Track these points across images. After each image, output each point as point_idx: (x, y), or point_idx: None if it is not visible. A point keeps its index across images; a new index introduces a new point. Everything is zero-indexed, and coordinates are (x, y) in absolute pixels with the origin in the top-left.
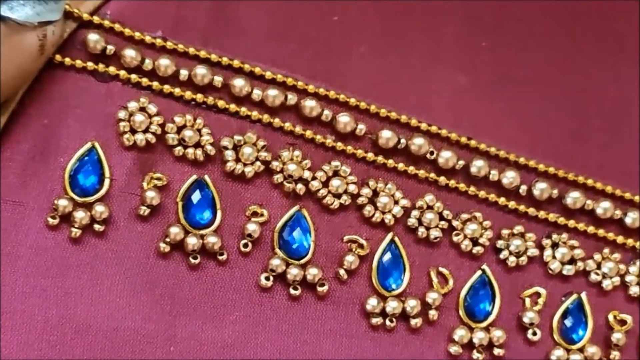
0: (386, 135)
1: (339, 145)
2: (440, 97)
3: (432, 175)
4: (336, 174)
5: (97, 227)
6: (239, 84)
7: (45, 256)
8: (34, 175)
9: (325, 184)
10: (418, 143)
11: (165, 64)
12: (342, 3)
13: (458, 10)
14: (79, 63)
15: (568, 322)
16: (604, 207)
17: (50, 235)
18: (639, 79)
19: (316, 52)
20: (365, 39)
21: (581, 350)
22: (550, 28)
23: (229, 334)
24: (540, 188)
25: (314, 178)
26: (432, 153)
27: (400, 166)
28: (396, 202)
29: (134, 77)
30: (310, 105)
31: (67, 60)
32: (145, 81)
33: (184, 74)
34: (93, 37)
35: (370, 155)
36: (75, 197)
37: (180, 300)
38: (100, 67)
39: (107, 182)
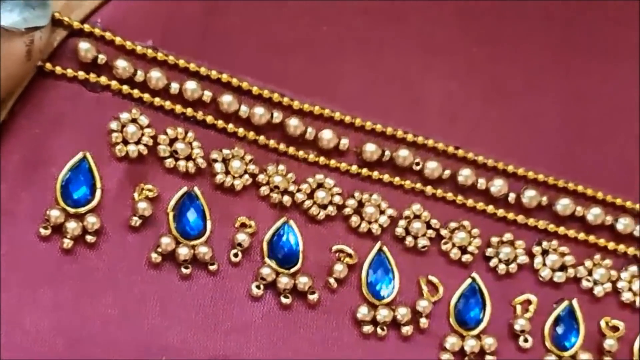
0: (370, 149)
1: (322, 159)
2: (432, 103)
3: (419, 185)
4: (320, 186)
5: (88, 238)
6: (227, 100)
7: (37, 267)
8: (25, 186)
9: (310, 195)
10: (403, 155)
11: (156, 76)
12: (333, 10)
13: (449, 17)
14: (70, 72)
15: (559, 329)
16: (594, 214)
17: (42, 246)
18: (638, 83)
19: (307, 60)
20: (356, 46)
21: (573, 357)
22: (543, 32)
23: (221, 344)
24: (529, 195)
25: (298, 190)
26: (417, 164)
27: (386, 177)
28: (382, 212)
29: (125, 88)
30: (294, 124)
31: (58, 69)
32: (136, 92)
33: (174, 87)
34: (84, 45)
35: (354, 168)
36: (67, 208)
37: (172, 310)
38: (92, 76)
39: (98, 192)
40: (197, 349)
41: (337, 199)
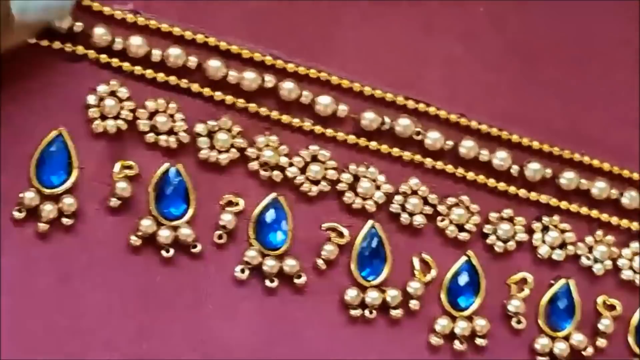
0: (369, 117)
1: (318, 128)
2: (434, 69)
3: (418, 157)
4: (315, 159)
5: (65, 220)
6: (214, 65)
7: (12, 252)
8: None
9: (303, 170)
10: (403, 124)
11: (136, 43)
12: None
13: None
14: (44, 42)
15: (555, 309)
16: (599, 187)
17: (16, 231)
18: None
19: (302, 22)
20: (354, 7)
21: (567, 338)
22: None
23: (203, 329)
24: (533, 169)
25: (291, 164)
26: (418, 134)
27: (384, 148)
28: (378, 187)
29: (103, 57)
30: (288, 88)
31: (32, 40)
32: (115, 62)
33: (156, 54)
34: None
35: (351, 138)
36: (42, 189)
37: (153, 295)
38: (68, 46)
39: (75, 172)
40: (178, 333)
41: (332, 173)
